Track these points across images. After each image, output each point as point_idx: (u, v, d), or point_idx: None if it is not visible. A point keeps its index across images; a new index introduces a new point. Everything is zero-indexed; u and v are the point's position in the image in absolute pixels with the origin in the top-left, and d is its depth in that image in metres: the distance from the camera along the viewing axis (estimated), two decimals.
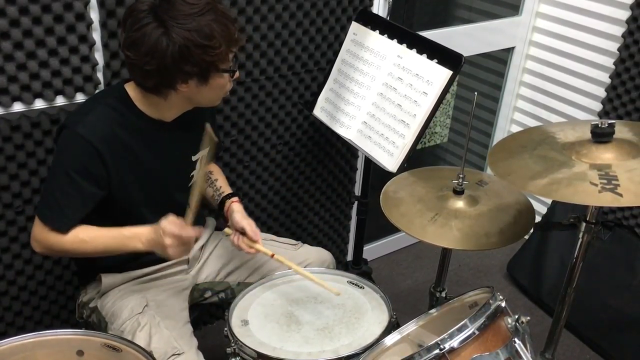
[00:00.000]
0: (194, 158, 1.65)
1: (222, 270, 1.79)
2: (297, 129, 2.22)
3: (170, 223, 1.42)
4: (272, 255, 1.62)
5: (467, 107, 2.79)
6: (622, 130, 1.42)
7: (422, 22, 2.58)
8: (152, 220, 1.58)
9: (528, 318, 1.37)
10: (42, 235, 1.47)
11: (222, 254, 1.81)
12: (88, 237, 1.48)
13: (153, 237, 1.45)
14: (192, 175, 1.67)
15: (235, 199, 1.74)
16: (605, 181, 1.26)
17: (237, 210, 1.69)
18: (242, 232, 1.64)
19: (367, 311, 1.60)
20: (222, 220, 1.91)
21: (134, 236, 1.47)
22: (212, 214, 2.00)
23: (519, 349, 1.31)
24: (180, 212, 1.68)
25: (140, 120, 1.48)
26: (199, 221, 1.78)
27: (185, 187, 1.68)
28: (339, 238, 2.62)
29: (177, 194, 1.64)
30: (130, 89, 1.48)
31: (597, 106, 2.52)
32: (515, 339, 1.32)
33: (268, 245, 1.83)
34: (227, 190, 1.78)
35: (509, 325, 1.34)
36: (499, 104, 2.92)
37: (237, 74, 1.49)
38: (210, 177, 1.80)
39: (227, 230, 1.69)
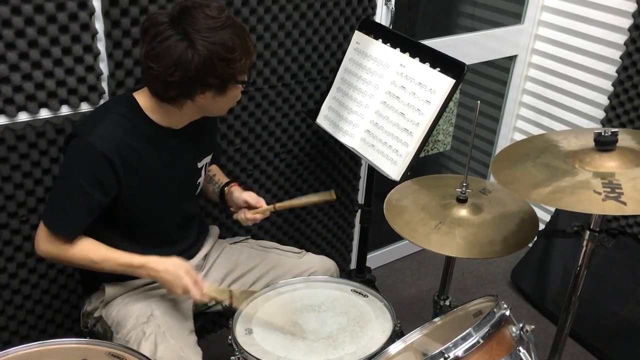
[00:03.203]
0: (199, 165, 1.66)
1: (225, 278, 1.79)
2: (301, 137, 2.23)
3: (191, 282, 1.48)
4: (274, 207, 1.69)
5: (470, 115, 2.79)
6: (625, 139, 1.42)
7: (424, 31, 2.59)
8: (160, 228, 1.60)
9: (533, 327, 1.36)
10: (48, 242, 1.48)
11: (226, 263, 1.81)
12: (98, 258, 1.50)
13: (165, 277, 1.49)
14: (199, 183, 1.68)
15: (233, 183, 1.78)
16: (608, 189, 1.26)
17: (235, 190, 1.74)
18: (247, 207, 1.69)
19: (371, 320, 1.60)
20: (224, 229, 1.92)
21: (142, 267, 1.50)
22: (216, 221, 2.01)
23: (523, 358, 1.31)
24: (186, 221, 1.69)
25: (150, 128, 1.50)
26: (202, 230, 1.80)
27: (191, 194, 1.69)
28: (342, 246, 2.62)
29: (184, 202, 1.66)
30: (140, 97, 1.49)
31: (600, 114, 2.52)
32: (520, 348, 1.32)
33: (272, 253, 1.84)
34: (224, 180, 1.82)
35: (514, 334, 1.34)
36: (502, 111, 2.92)
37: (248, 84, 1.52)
38: (208, 174, 1.83)
39: (234, 215, 1.74)
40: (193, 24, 1.35)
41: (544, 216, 2.77)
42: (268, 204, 1.71)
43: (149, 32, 1.38)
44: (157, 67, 1.37)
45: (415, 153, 1.72)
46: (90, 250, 1.49)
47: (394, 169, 1.75)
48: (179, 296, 1.51)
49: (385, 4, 2.20)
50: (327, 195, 1.70)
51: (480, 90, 2.92)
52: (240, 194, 1.72)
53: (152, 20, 1.38)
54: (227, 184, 1.79)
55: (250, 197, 1.71)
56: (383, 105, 1.82)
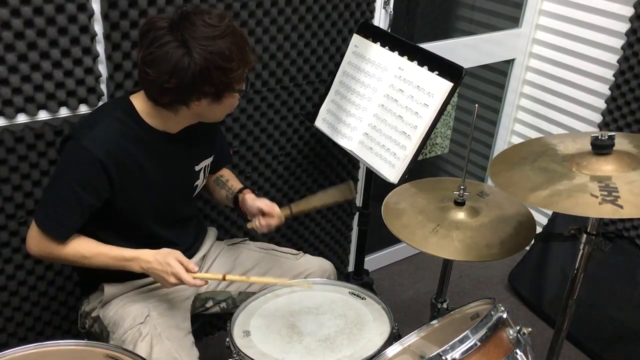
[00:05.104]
0: (197, 168, 1.66)
1: None
2: (299, 140, 2.23)
3: (179, 265, 1.45)
4: (291, 211, 1.68)
5: (468, 119, 2.80)
6: (622, 142, 1.42)
7: (423, 34, 2.60)
8: (156, 230, 1.60)
9: (530, 329, 1.37)
10: (40, 241, 1.48)
11: (224, 264, 1.81)
12: (89, 253, 1.49)
13: (155, 268, 1.47)
14: (196, 185, 1.68)
15: (247, 190, 1.76)
16: (605, 193, 1.27)
17: (248, 198, 1.71)
18: (262, 213, 1.66)
19: (369, 322, 1.60)
20: (222, 230, 1.92)
21: (134, 259, 1.49)
22: (214, 223, 2.01)
23: None
24: (183, 223, 1.70)
25: (146, 133, 1.50)
26: (199, 232, 1.80)
27: (189, 197, 1.69)
28: (340, 249, 2.62)
29: (181, 204, 1.66)
30: (137, 101, 1.50)
31: (597, 118, 2.53)
32: (517, 351, 1.32)
33: (269, 254, 1.84)
34: (238, 186, 1.80)
35: (511, 337, 1.34)
36: (500, 115, 2.93)
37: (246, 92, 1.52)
38: (221, 179, 1.82)
39: (249, 224, 1.71)
40: (192, 31, 1.35)
41: (542, 219, 2.78)
42: (283, 207, 1.68)
43: (147, 36, 1.37)
44: (153, 72, 1.36)
45: (414, 156, 1.72)
46: (80, 246, 1.49)
47: (392, 172, 1.76)
48: (172, 286, 1.48)
49: (384, 8, 2.21)
50: (347, 190, 1.67)
51: (478, 94, 2.93)
52: (254, 202, 1.68)
53: (152, 24, 1.38)
54: (240, 191, 1.77)
55: (264, 204, 1.67)
56: (381, 108, 1.83)
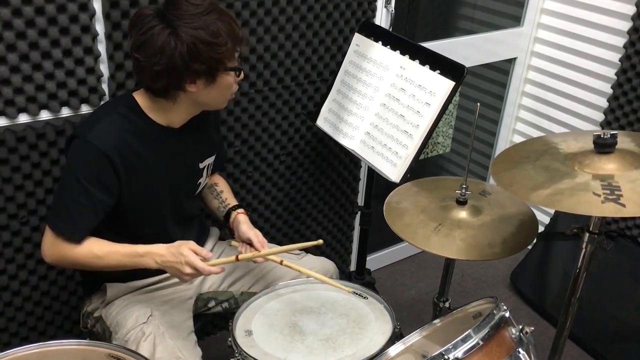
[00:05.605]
0: (200, 165, 1.66)
1: (225, 279, 1.80)
2: (300, 139, 2.23)
3: (192, 254, 1.44)
4: (281, 262, 1.62)
5: (470, 118, 2.80)
6: (624, 141, 1.42)
7: (424, 33, 2.60)
8: (160, 228, 1.60)
9: (532, 328, 1.37)
10: (54, 246, 1.47)
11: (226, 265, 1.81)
12: (102, 252, 1.48)
13: (169, 260, 1.45)
14: (199, 183, 1.68)
15: (241, 210, 1.75)
16: (608, 191, 1.27)
17: (243, 222, 1.70)
18: (249, 243, 1.65)
19: (371, 321, 1.60)
20: (226, 230, 1.92)
21: (147, 255, 1.48)
22: (216, 224, 2.01)
23: None
24: (186, 221, 1.70)
25: (149, 127, 1.50)
26: (202, 231, 1.80)
27: (192, 194, 1.69)
28: (342, 248, 2.62)
29: (185, 201, 1.66)
30: (139, 97, 1.50)
31: (599, 116, 2.52)
32: (520, 350, 1.32)
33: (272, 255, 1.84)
34: (232, 202, 1.79)
35: (513, 336, 1.34)
36: (501, 114, 2.93)
37: (242, 74, 1.51)
38: (215, 188, 1.81)
39: (233, 242, 1.71)
40: (176, 11, 1.37)
41: (544, 218, 2.77)
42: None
43: (135, 25, 1.39)
44: (142, 57, 1.37)
45: (415, 155, 1.72)
46: (93, 247, 1.48)
47: (393, 171, 1.76)
48: (189, 278, 1.46)
49: (385, 7, 2.21)
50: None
51: (479, 93, 2.93)
52: (247, 231, 1.66)
53: (139, 14, 1.40)
54: (234, 208, 1.76)
55: (256, 237, 1.64)
56: (383, 107, 1.83)
